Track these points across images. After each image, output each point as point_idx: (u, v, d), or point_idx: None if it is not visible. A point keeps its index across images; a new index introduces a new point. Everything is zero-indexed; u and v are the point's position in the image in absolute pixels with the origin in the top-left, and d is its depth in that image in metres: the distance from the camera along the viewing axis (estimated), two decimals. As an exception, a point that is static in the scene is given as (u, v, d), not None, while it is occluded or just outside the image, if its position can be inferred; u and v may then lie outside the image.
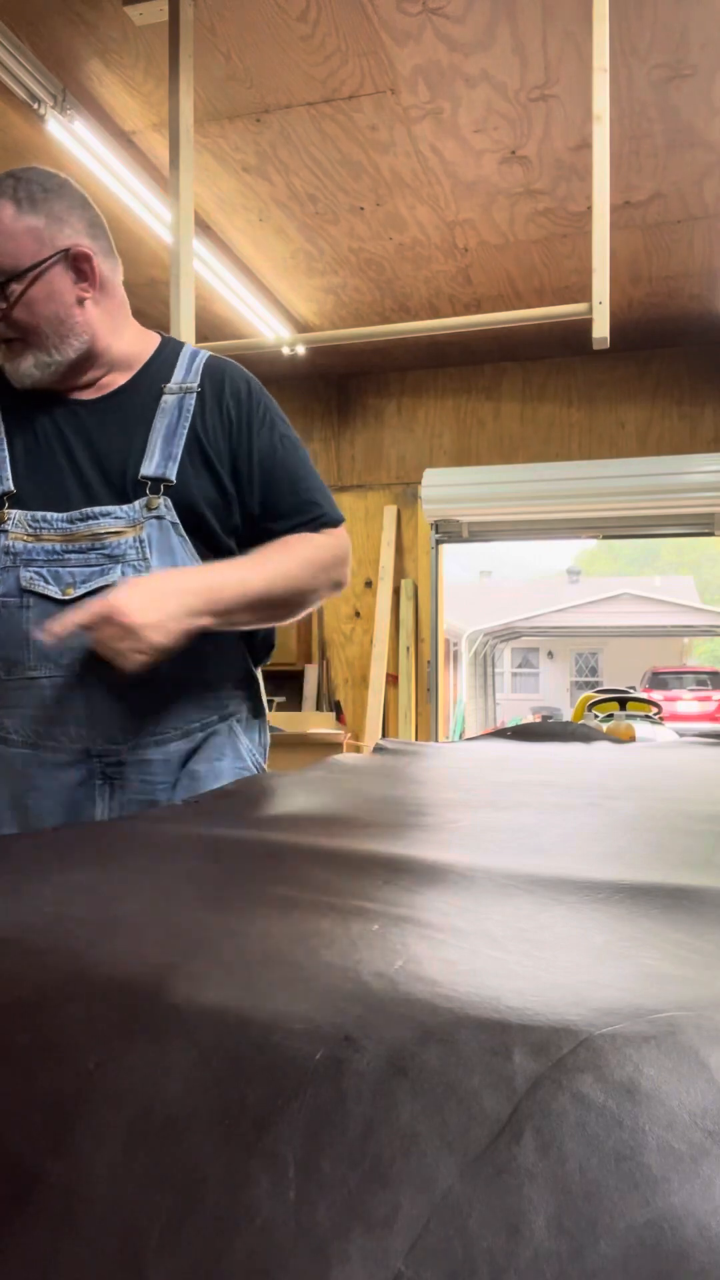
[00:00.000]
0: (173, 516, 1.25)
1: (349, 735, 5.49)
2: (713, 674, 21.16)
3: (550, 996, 0.35)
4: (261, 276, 4.71)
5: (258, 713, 1.40)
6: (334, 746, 4.74)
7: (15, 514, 1.25)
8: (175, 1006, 0.36)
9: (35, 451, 1.29)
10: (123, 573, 1.23)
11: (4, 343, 1.26)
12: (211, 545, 1.29)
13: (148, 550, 1.24)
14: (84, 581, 1.23)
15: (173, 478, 1.26)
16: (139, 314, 1.43)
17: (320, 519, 1.34)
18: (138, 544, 1.24)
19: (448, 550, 6.00)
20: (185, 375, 1.33)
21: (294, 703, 5.94)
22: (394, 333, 3.54)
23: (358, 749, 5.40)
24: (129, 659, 1.13)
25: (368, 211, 4.06)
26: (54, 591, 1.23)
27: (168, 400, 1.30)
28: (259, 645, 1.40)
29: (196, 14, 2.87)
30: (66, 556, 1.24)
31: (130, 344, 1.35)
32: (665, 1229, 0.27)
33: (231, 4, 2.87)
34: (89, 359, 1.30)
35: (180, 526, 1.26)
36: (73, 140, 3.43)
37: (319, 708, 5.95)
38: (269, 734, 1.43)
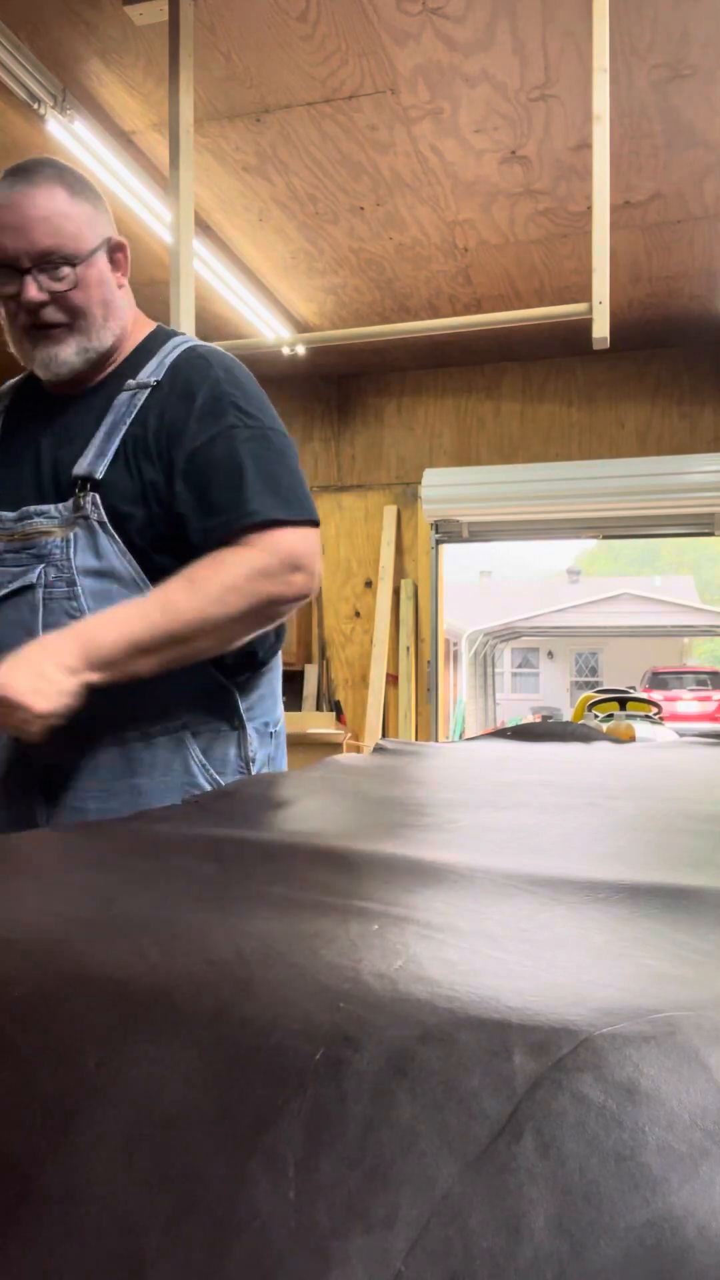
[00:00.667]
0: (100, 516, 1.21)
1: (349, 735, 5.49)
2: (713, 674, 21.16)
3: (550, 996, 0.35)
4: (261, 276, 4.71)
5: (231, 725, 1.31)
6: (334, 746, 4.74)
7: None
8: (175, 1006, 0.36)
9: (8, 451, 1.30)
10: (44, 573, 1.20)
11: (50, 329, 1.23)
12: (144, 547, 1.22)
13: (72, 551, 1.21)
14: (9, 582, 1.22)
15: (99, 475, 1.22)
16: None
17: (249, 517, 1.19)
18: (63, 545, 1.21)
19: (448, 550, 6.00)
20: (153, 370, 1.28)
21: (294, 703, 5.94)
22: (394, 333, 3.54)
23: (358, 749, 5.40)
24: (26, 730, 1.09)
25: (368, 211, 4.06)
26: None
27: (122, 397, 1.27)
28: (230, 656, 1.27)
29: (196, 14, 2.87)
30: (4, 556, 1.24)
31: (129, 339, 1.34)
32: (665, 1229, 0.27)
33: (231, 4, 2.87)
34: (109, 351, 1.30)
35: (109, 526, 1.21)
36: (73, 140, 3.42)
37: (319, 708, 5.95)
38: (257, 746, 1.34)
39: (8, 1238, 0.30)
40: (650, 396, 5.64)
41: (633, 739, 2.94)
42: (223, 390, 1.26)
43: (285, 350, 5.06)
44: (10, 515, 1.25)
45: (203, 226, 4.11)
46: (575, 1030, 0.32)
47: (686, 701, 19.17)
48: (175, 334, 1.37)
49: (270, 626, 1.28)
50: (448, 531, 5.85)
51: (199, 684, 1.27)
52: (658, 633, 23.68)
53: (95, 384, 1.31)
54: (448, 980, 0.37)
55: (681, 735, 5.56)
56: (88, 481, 1.22)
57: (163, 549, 1.23)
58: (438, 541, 5.85)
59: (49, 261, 1.20)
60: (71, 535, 1.22)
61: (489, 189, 3.86)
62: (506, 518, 5.77)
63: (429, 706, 5.83)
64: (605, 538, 6.22)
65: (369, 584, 5.92)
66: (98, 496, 1.21)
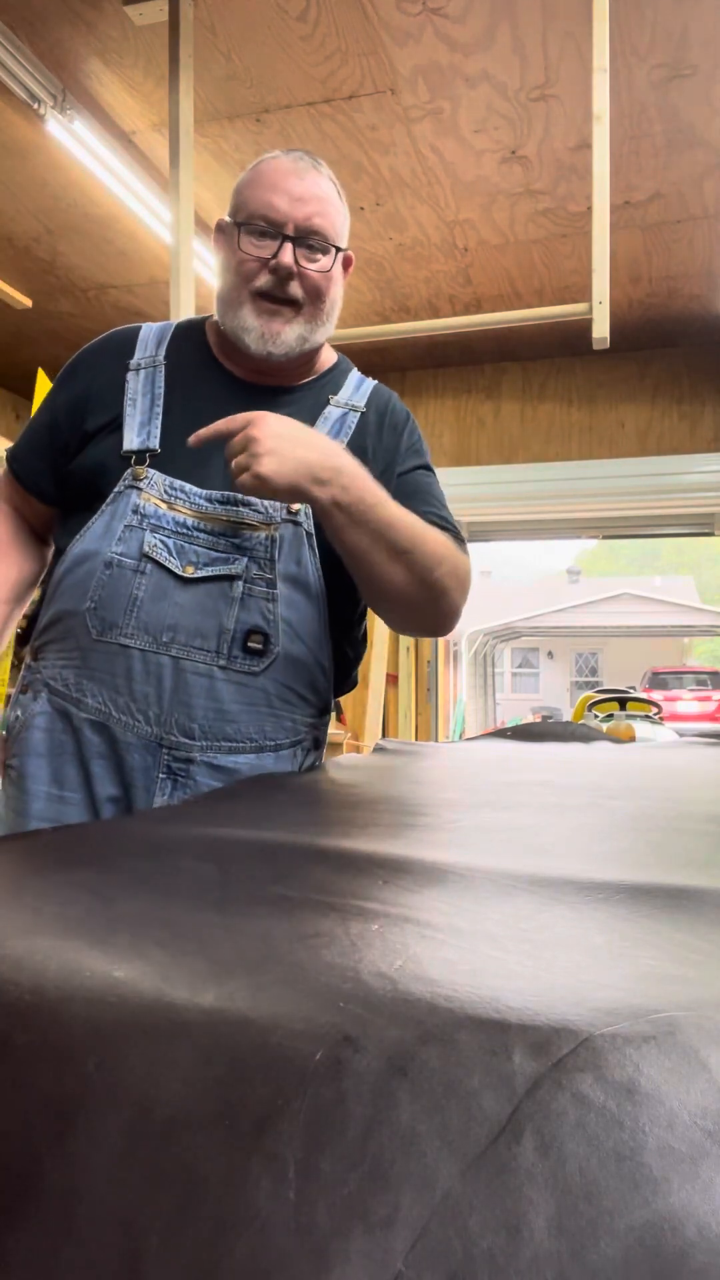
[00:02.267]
0: (309, 526, 1.22)
1: (349, 735, 5.49)
2: (713, 674, 21.16)
3: (550, 996, 0.35)
4: (261, 276, 4.71)
5: (320, 743, 1.37)
6: (334, 746, 4.74)
7: (154, 474, 1.22)
8: (175, 1007, 0.36)
9: (191, 419, 1.21)
10: (247, 567, 1.20)
11: (283, 305, 1.22)
12: (335, 563, 1.23)
13: (277, 552, 1.21)
14: (207, 565, 1.20)
15: None
16: (139, 314, 1.44)
17: (452, 533, 1.28)
18: (269, 543, 1.21)
19: (448, 550, 5.99)
20: (353, 394, 1.32)
21: (294, 703, 5.93)
22: (394, 333, 3.53)
23: (358, 749, 5.40)
24: (242, 471, 1.08)
25: (368, 211, 4.06)
26: (174, 565, 1.20)
27: (332, 412, 1.29)
28: (344, 678, 1.36)
29: (196, 14, 2.87)
30: (195, 534, 1.20)
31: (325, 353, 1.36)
32: (665, 1229, 0.27)
33: (231, 4, 2.87)
34: (316, 351, 1.30)
35: (314, 538, 1.22)
36: (73, 140, 3.43)
37: (319, 708, 5.94)
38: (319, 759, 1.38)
39: (7, 1238, 0.30)
40: (650, 397, 5.64)
41: (633, 739, 2.94)
42: (418, 432, 1.37)
43: (285, 350, 5.05)
44: (202, 493, 1.21)
45: (203, 226, 4.12)
46: (575, 1030, 0.32)
47: (686, 701, 19.16)
48: (351, 364, 1.41)
49: (409, 626, 1.35)
50: (448, 531, 5.85)
51: (323, 700, 1.31)
52: (658, 633, 23.69)
53: (295, 385, 1.31)
54: (448, 980, 0.37)
55: (681, 735, 5.56)
56: None
57: (343, 569, 1.23)
58: (438, 541, 5.84)
59: (311, 239, 1.21)
60: (277, 536, 1.21)
61: (489, 189, 3.86)
62: (506, 518, 5.77)
63: (429, 706, 5.83)
64: (605, 538, 6.22)
65: (369, 584, 5.92)
66: (310, 507, 1.18)
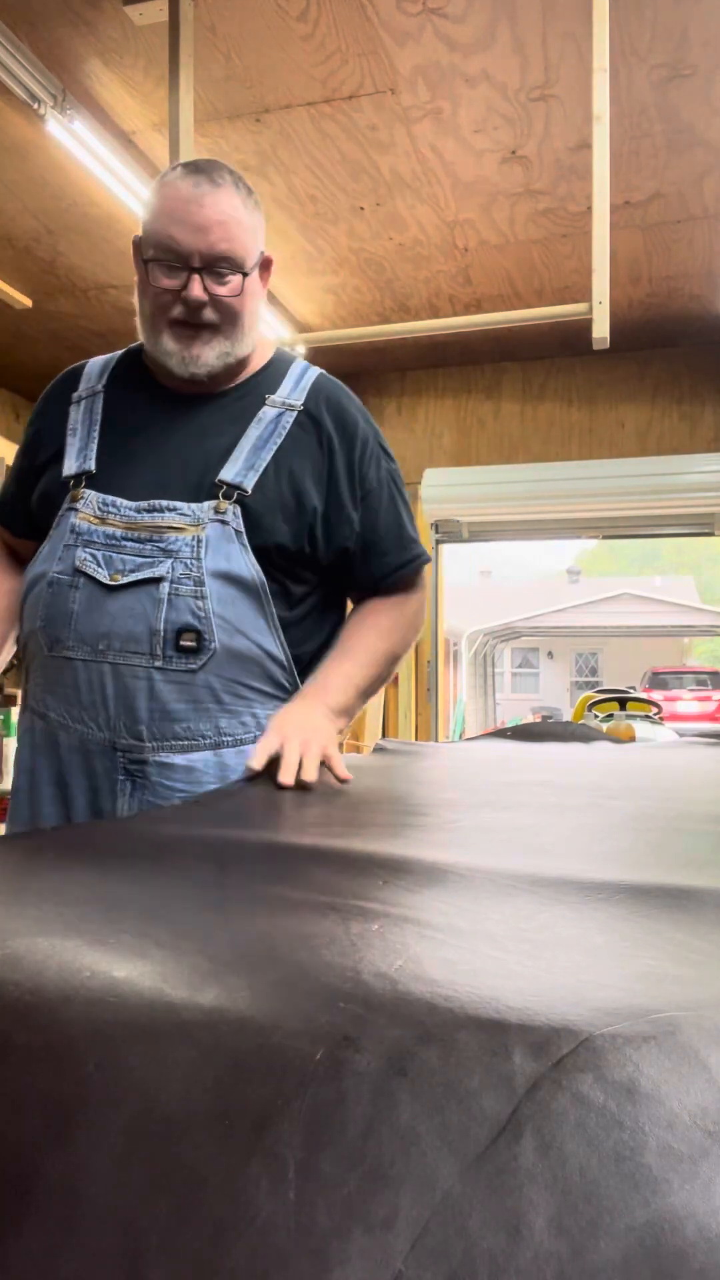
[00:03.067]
0: (238, 524, 1.25)
1: (349, 735, 5.48)
2: (713, 674, 21.15)
3: (550, 996, 0.35)
4: (261, 276, 4.71)
5: None
6: (334, 746, 4.72)
7: (89, 494, 1.28)
8: (174, 1007, 0.36)
9: (124, 438, 1.31)
10: (173, 568, 1.23)
11: (199, 329, 1.26)
12: (277, 559, 1.28)
13: (203, 550, 1.24)
14: (133, 570, 1.24)
15: (249, 487, 1.26)
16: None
17: (418, 560, 1.40)
18: (194, 543, 1.24)
19: (448, 550, 6.00)
20: (291, 390, 1.34)
21: (294, 703, 5.92)
22: (394, 333, 3.54)
23: (358, 749, 5.39)
24: (325, 753, 1.16)
25: (368, 211, 4.06)
26: (102, 575, 1.24)
27: (267, 413, 1.31)
28: (305, 672, 1.38)
29: (196, 14, 2.87)
30: (124, 544, 1.25)
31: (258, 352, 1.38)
32: (665, 1229, 0.27)
33: (231, 4, 2.87)
34: (244, 360, 1.33)
35: (244, 535, 1.25)
36: (73, 140, 3.42)
37: (319, 708, 5.93)
38: None
39: (7, 1239, 0.30)
40: (650, 397, 5.64)
41: (632, 739, 2.94)
42: (372, 428, 1.40)
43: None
44: (132, 505, 1.26)
45: (203, 226, 4.11)
46: (575, 1030, 0.32)
47: (686, 701, 19.15)
48: (290, 352, 1.45)
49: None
50: (448, 531, 5.85)
51: (283, 694, 1.33)
52: (658, 633, 23.68)
53: (226, 390, 1.34)
54: (448, 980, 0.37)
55: (681, 735, 5.55)
56: (234, 489, 1.25)
57: (289, 562, 1.29)
58: (438, 541, 5.84)
59: (218, 265, 1.23)
60: (203, 536, 1.24)
61: (489, 189, 3.86)
62: (506, 518, 5.77)
63: (429, 706, 5.83)
64: (605, 538, 6.21)
65: (369, 584, 5.92)
66: (238, 506, 1.25)
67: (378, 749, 1.74)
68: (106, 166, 3.60)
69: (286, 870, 0.61)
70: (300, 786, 1.08)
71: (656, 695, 17.75)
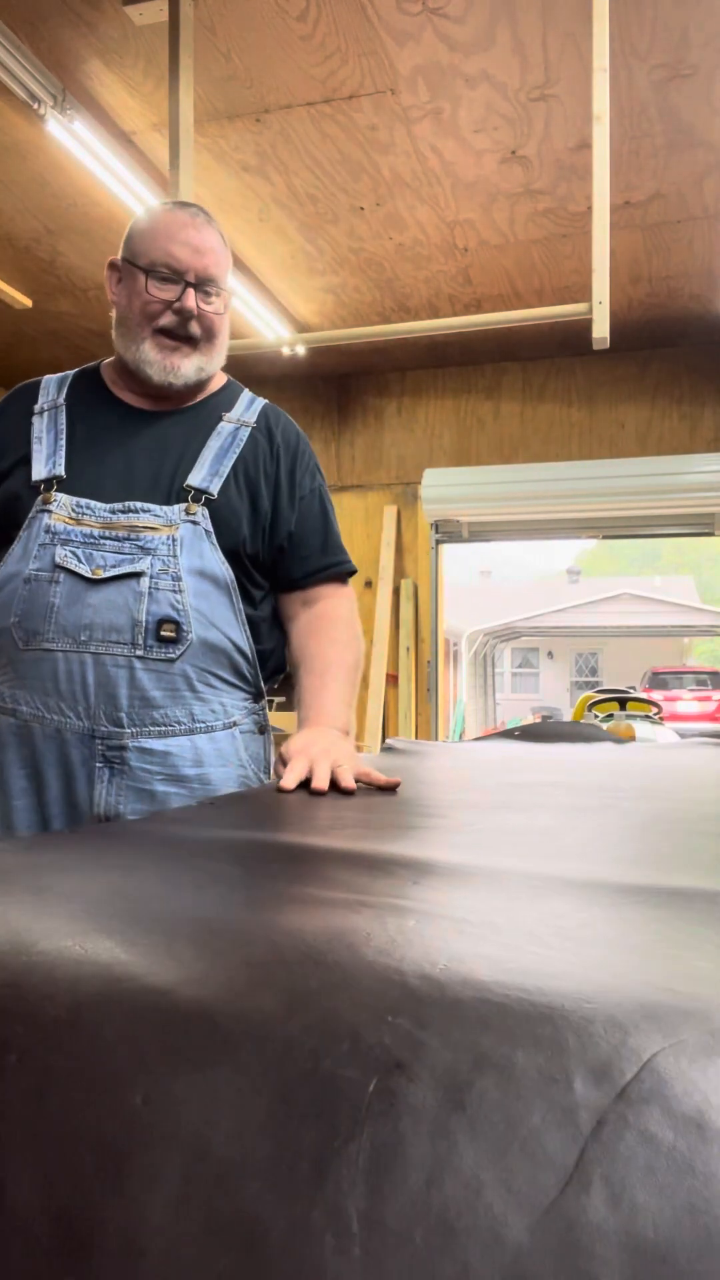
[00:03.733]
0: (207, 525, 1.36)
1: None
2: (713, 674, 21.14)
3: (603, 1000, 0.34)
4: (261, 276, 4.71)
5: (262, 729, 1.48)
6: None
7: (61, 498, 1.35)
8: (217, 1025, 0.34)
9: (92, 446, 1.40)
10: (151, 564, 1.32)
11: (183, 342, 1.39)
12: (239, 556, 1.39)
13: (179, 549, 1.33)
14: (114, 566, 1.32)
15: (215, 492, 1.37)
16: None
17: (343, 565, 1.50)
18: (170, 542, 1.33)
19: (448, 550, 6.00)
20: (244, 411, 1.47)
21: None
22: (394, 333, 3.52)
23: (358, 749, 5.39)
24: (350, 767, 1.20)
25: (368, 211, 4.05)
26: (84, 570, 1.31)
27: (224, 427, 1.44)
28: (271, 666, 1.48)
29: (196, 14, 2.86)
30: (102, 542, 1.33)
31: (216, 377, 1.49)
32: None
33: (231, 4, 2.87)
34: (209, 379, 1.44)
35: (213, 535, 1.36)
36: (73, 140, 3.42)
37: (320, 709, 5.93)
38: (272, 749, 1.48)
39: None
40: (650, 397, 5.64)
41: (633, 739, 2.93)
42: (310, 452, 1.53)
43: (285, 350, 5.06)
44: (106, 506, 1.34)
45: (202, 227, 4.11)
46: (636, 1050, 0.31)
47: (686, 701, 19.14)
48: (241, 386, 1.57)
49: None
50: (448, 531, 5.85)
51: (252, 687, 1.44)
52: (658, 633, 23.68)
53: (184, 407, 1.45)
54: (496, 982, 0.36)
55: (682, 735, 5.56)
56: (201, 494, 1.37)
57: (248, 558, 1.40)
58: (438, 541, 5.84)
59: (208, 285, 1.38)
60: (178, 535, 1.34)
61: (489, 189, 3.86)
62: (506, 518, 5.76)
63: (429, 706, 5.82)
64: (605, 538, 6.21)
65: (369, 584, 5.92)
66: (206, 509, 1.36)
67: (386, 749, 1.73)
68: (106, 166, 3.59)
69: (311, 871, 0.61)
70: (342, 793, 1.12)
71: (656, 695, 17.76)
